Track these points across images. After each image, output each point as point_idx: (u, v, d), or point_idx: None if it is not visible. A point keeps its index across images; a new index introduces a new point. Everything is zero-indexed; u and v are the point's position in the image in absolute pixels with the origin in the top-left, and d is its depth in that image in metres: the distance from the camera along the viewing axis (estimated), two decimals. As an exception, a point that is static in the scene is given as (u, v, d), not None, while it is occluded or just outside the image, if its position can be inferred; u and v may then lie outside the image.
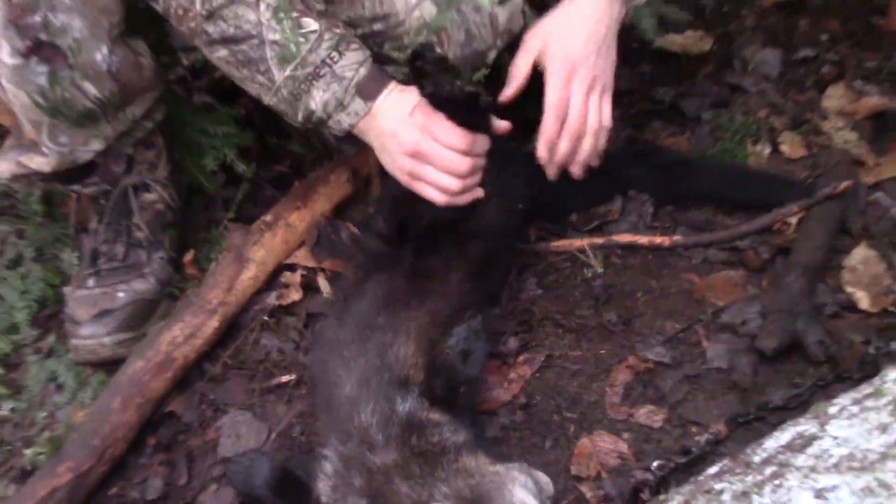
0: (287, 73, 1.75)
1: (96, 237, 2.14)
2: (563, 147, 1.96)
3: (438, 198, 1.79)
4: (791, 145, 2.36)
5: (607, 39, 1.93)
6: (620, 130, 2.42)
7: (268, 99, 1.83)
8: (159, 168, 2.15)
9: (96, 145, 2.00)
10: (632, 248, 2.20)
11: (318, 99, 1.77)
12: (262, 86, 1.79)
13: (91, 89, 1.90)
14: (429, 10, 1.91)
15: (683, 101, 2.47)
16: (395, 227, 1.97)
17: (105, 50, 1.88)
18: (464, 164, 1.76)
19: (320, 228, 2.20)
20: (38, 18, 1.78)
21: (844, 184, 2.19)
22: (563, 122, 1.93)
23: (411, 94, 1.76)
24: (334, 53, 1.74)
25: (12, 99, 1.89)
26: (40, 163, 2.00)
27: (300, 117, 1.82)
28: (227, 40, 1.75)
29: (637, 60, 2.52)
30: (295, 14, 1.73)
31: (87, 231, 2.16)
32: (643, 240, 2.19)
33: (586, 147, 1.99)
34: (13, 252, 2.24)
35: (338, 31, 1.76)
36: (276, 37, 1.72)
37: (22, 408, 2.09)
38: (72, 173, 2.04)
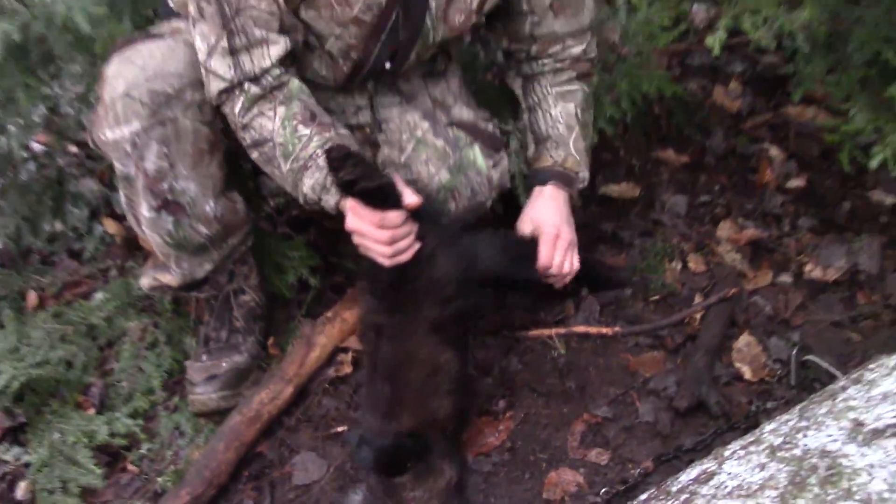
0: (287, 166, 1.71)
1: (208, 327, 2.15)
2: (556, 283, 2.05)
3: (383, 261, 1.69)
4: (695, 263, 2.36)
5: (568, 214, 2.02)
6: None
7: (285, 187, 1.80)
8: (251, 278, 2.15)
9: (208, 266, 2.02)
10: (585, 336, 2.19)
11: (307, 185, 1.73)
12: (279, 178, 1.77)
13: (203, 230, 1.92)
14: (445, 177, 1.94)
15: (621, 231, 2.47)
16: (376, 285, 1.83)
17: (212, 203, 1.90)
18: (383, 235, 1.64)
19: (365, 322, 2.21)
20: (165, 185, 1.82)
21: (732, 290, 2.21)
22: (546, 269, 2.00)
23: None
24: (319, 150, 1.69)
25: (149, 238, 1.92)
26: (169, 279, 2.02)
27: (302, 199, 1.79)
28: (255, 144, 1.74)
29: (588, 203, 2.54)
30: (294, 122, 1.70)
31: (201, 322, 2.17)
32: (593, 330, 2.19)
33: (565, 280, 2.07)
34: (151, 337, 2.24)
35: (327, 134, 1.72)
36: (281, 140, 1.70)
37: (156, 448, 2.09)
38: (191, 285, 2.05)
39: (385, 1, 1.72)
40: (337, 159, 1.58)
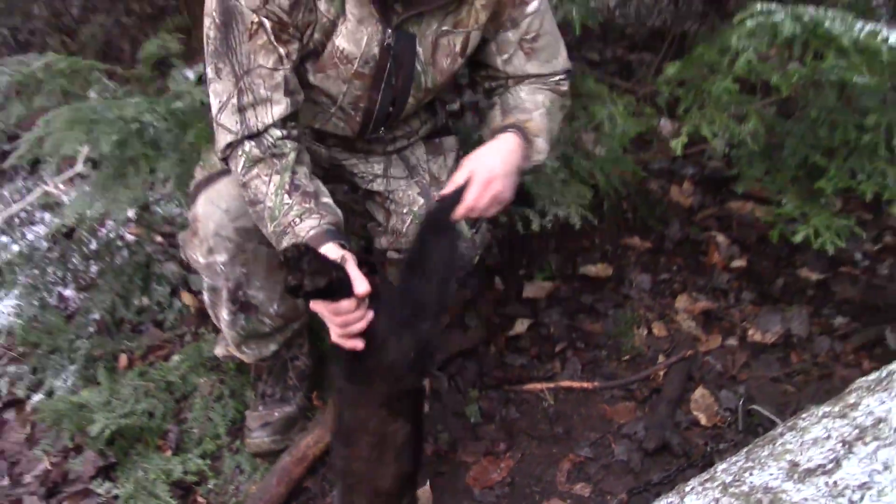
0: (271, 228, 1.58)
1: (266, 384, 2.14)
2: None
3: (337, 340, 1.51)
4: (658, 329, 2.37)
5: (511, 172, 1.64)
6: (562, 319, 2.43)
7: (272, 242, 1.64)
8: (304, 347, 2.14)
9: (273, 347, 1.99)
10: (570, 390, 2.19)
11: (284, 246, 1.57)
12: (267, 235, 1.64)
13: (269, 322, 1.90)
14: None
15: (598, 304, 2.47)
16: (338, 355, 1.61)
17: (276, 305, 1.87)
18: (335, 320, 1.48)
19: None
20: (241, 293, 1.81)
21: (689, 352, 2.22)
22: (468, 211, 1.61)
23: (339, 251, 1.52)
24: (297, 219, 1.55)
25: (225, 332, 1.92)
26: (243, 357, 2.01)
27: (282, 258, 1.58)
28: (251, 203, 1.62)
29: (570, 281, 2.55)
30: (283, 191, 1.58)
31: (260, 380, 2.15)
32: (576, 384, 2.19)
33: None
34: (218, 391, 2.23)
35: (306, 205, 1.56)
36: (270, 204, 1.57)
37: (221, 483, 2.08)
38: (260, 360, 2.05)
39: (378, 54, 1.63)
40: (292, 259, 1.37)
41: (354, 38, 1.61)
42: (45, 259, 2.53)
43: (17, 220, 2.75)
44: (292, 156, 1.60)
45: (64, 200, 2.48)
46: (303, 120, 1.80)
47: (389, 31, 1.61)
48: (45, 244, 2.59)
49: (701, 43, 2.24)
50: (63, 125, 1.86)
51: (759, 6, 1.69)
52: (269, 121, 1.59)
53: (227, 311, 1.85)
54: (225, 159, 1.64)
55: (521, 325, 2.39)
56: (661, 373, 2.20)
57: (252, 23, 1.53)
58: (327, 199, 1.63)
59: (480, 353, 2.31)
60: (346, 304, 1.45)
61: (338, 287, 1.43)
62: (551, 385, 2.20)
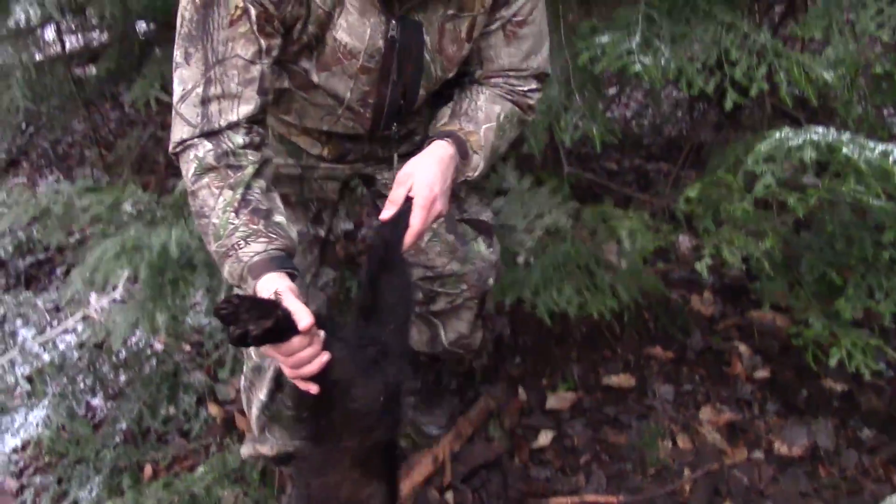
0: (214, 247, 1.49)
1: (290, 499, 2.14)
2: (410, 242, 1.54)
3: (291, 378, 1.44)
4: (682, 441, 2.37)
5: (449, 187, 1.60)
6: (586, 431, 2.44)
7: (214, 259, 1.54)
8: None
9: (297, 443, 1.88)
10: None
11: (227, 270, 1.49)
12: (210, 251, 1.53)
13: (290, 405, 1.84)
14: (456, 266, 1.88)
15: (621, 415, 2.48)
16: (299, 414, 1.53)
17: None
18: (286, 362, 1.37)
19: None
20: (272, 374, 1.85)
21: (715, 465, 2.22)
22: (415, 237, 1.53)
23: (281, 282, 1.41)
24: (242, 242, 1.44)
25: (253, 419, 1.94)
26: (266, 449, 2.00)
27: (224, 279, 1.57)
28: (197, 214, 1.50)
29: (593, 392, 2.56)
30: (230, 209, 1.46)
31: (283, 492, 2.17)
32: (602, 499, 2.18)
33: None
34: None
35: (254, 226, 1.45)
36: (216, 221, 1.46)
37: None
38: (282, 458, 2.04)
39: (383, 47, 1.56)
40: (226, 316, 1.28)
41: (357, 31, 1.53)
42: (75, 368, 2.61)
43: (48, 329, 2.84)
44: (250, 170, 1.49)
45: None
46: (309, 124, 1.76)
47: (393, 21, 1.54)
48: (75, 354, 2.67)
49: (716, 154, 2.33)
50: (111, 257, 1.97)
51: (778, 134, 1.77)
52: (233, 118, 1.48)
53: (266, 390, 1.84)
54: (176, 155, 1.53)
55: (545, 437, 2.41)
56: (688, 487, 2.19)
57: (237, 7, 1.43)
58: (280, 218, 1.52)
59: (504, 466, 2.32)
60: (297, 341, 1.35)
61: (284, 325, 1.33)
62: (576, 499, 2.19)
